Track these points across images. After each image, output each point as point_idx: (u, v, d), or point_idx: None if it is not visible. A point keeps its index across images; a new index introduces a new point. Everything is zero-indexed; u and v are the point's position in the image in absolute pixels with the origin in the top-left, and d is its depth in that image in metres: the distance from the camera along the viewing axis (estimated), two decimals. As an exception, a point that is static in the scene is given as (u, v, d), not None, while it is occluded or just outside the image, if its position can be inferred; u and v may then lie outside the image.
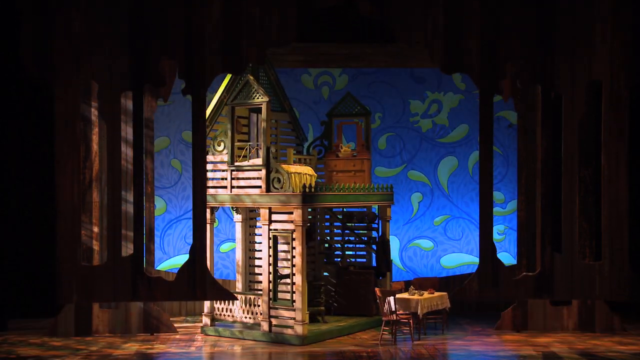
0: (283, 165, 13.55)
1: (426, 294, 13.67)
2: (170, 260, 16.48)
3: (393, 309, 13.26)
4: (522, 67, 11.66)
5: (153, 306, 14.17)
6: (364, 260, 15.59)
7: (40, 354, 12.56)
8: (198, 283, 11.44)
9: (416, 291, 13.74)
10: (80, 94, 11.66)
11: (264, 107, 13.53)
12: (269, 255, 13.58)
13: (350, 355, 12.45)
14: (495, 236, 16.67)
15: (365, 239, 15.53)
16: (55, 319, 13.94)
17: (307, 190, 13.22)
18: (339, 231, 15.77)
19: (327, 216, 15.82)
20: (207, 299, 12.60)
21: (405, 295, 13.64)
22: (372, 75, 16.90)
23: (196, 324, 15.16)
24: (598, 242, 12.07)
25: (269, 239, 13.59)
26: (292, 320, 13.26)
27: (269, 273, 13.55)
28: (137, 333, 14.07)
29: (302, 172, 13.71)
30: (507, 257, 16.64)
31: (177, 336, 13.99)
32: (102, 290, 11.34)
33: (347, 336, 13.94)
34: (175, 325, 14.55)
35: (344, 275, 15.10)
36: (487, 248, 11.44)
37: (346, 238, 15.69)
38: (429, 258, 16.70)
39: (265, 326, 13.54)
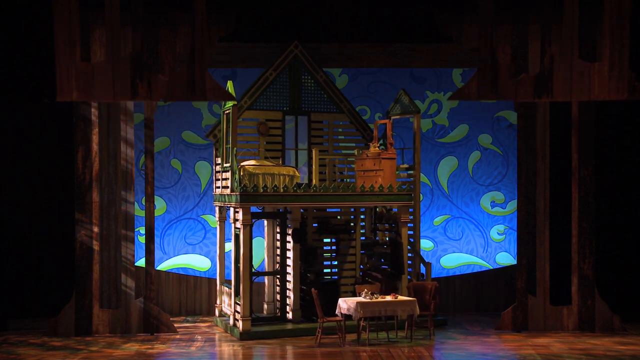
0: (248, 167, 13.71)
1: (389, 298, 13.41)
2: (170, 260, 16.48)
3: (345, 311, 13.18)
4: None
5: (153, 306, 14.18)
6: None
7: (40, 353, 12.56)
8: (197, 83, 11.35)
9: (372, 295, 13.33)
10: None
11: (230, 112, 13.74)
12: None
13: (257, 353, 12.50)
14: (495, 236, 16.70)
15: (376, 239, 15.59)
16: (55, 319, 13.94)
17: (248, 190, 13.47)
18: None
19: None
20: (206, 99, 12.35)
21: (359, 298, 13.33)
22: (372, 75, 16.89)
23: (196, 324, 15.18)
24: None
25: (234, 236, 14.13)
26: (239, 315, 13.74)
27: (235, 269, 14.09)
28: (137, 333, 14.07)
29: (276, 173, 13.79)
30: (507, 257, 16.64)
31: (177, 336, 13.99)
32: (101, 89, 11.18)
33: (315, 336, 13.66)
34: (175, 325, 14.55)
35: (368, 277, 15.05)
36: (487, 49, 11.21)
37: (376, 238, 15.75)
38: (429, 258, 16.68)
39: (231, 320, 14.18)
